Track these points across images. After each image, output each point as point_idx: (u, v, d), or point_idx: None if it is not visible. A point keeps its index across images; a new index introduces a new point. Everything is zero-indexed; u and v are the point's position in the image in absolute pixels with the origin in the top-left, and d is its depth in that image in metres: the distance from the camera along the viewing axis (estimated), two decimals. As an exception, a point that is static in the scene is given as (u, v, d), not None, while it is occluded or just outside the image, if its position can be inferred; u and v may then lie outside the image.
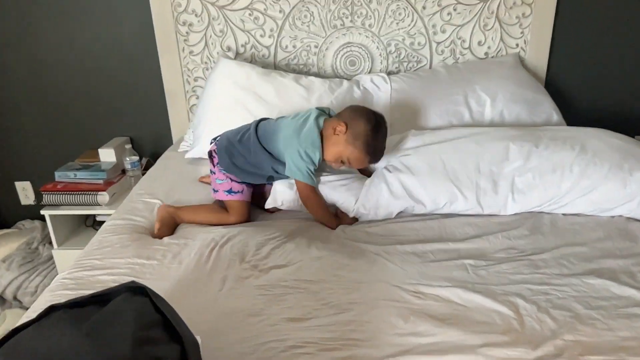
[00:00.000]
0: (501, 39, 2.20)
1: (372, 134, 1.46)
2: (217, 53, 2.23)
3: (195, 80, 2.28)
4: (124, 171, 2.30)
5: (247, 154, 1.55)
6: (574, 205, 1.47)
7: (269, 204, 1.58)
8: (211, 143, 1.69)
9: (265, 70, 2.03)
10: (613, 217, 1.46)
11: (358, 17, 2.17)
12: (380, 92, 2.02)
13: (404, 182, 1.50)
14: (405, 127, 1.89)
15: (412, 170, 1.52)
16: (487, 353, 0.95)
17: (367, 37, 2.20)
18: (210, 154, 1.65)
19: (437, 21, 2.17)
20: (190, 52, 2.24)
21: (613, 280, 1.17)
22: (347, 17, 2.18)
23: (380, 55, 2.23)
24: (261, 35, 2.21)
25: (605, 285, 1.16)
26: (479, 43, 2.21)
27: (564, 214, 1.48)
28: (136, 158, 2.25)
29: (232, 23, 2.19)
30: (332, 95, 1.94)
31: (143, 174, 2.05)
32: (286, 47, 2.23)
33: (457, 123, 1.89)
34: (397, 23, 2.18)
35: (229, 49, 2.23)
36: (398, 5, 2.14)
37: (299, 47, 2.23)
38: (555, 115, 1.93)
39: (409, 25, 2.18)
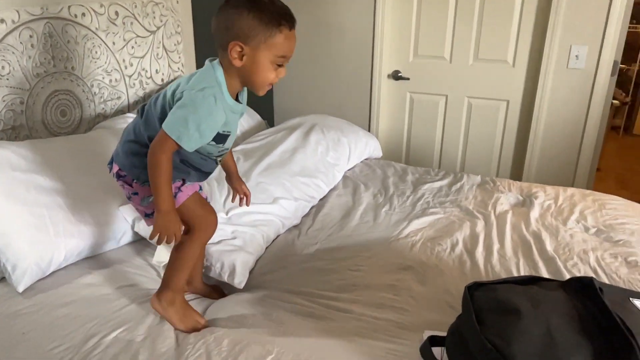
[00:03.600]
0: (169, 65, 2.42)
1: (258, 10, 1.12)
2: None
3: None
4: None
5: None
6: (351, 161, 2.20)
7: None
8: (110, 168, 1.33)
9: (35, 142, 1.50)
10: (362, 161, 2.30)
11: (60, 60, 1.84)
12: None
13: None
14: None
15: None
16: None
17: (71, 81, 1.90)
18: (118, 176, 1.30)
19: (125, 55, 2.14)
20: None
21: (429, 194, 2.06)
22: (49, 62, 1.79)
23: (87, 99, 1.98)
24: (-54, 103, 1.50)
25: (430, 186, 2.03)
26: (156, 72, 2.35)
27: (349, 169, 2.19)
28: None
29: None
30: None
31: None
32: (-16, 111, 1.61)
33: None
34: (95, 62, 1.99)
35: None
36: (93, 43, 1.96)
37: (2, 108, 1.66)
38: (258, 117, 2.49)
39: (105, 62, 2.04)
